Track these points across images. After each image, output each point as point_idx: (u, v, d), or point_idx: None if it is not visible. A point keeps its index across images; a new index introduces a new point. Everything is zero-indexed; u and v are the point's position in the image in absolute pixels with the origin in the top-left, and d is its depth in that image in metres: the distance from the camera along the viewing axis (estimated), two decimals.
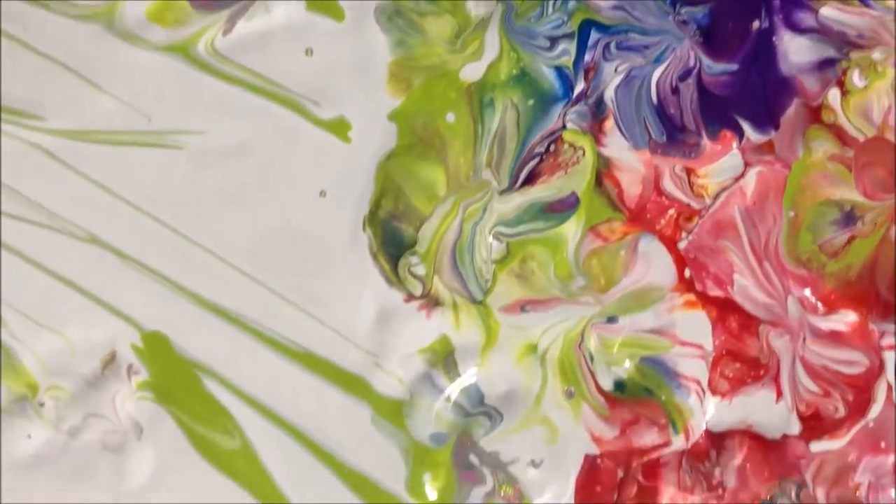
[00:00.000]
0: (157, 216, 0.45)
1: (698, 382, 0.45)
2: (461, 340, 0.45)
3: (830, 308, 0.45)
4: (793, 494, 0.45)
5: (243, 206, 0.45)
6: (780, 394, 0.45)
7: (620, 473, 0.46)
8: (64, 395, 0.44)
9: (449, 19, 0.46)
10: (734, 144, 0.45)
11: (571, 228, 0.45)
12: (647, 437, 0.45)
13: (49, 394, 0.44)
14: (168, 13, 0.45)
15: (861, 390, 0.45)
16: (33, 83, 0.45)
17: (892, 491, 0.45)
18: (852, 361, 0.45)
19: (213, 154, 0.45)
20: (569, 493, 0.45)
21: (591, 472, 0.46)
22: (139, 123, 0.45)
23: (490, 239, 0.45)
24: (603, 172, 0.45)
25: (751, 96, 0.44)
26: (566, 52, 0.45)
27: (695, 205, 0.45)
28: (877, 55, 0.44)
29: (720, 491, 0.46)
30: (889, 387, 0.44)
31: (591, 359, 0.45)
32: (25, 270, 0.45)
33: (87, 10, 0.45)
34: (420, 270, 0.45)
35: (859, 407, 0.45)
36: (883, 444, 0.44)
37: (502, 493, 0.45)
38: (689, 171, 0.45)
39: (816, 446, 0.45)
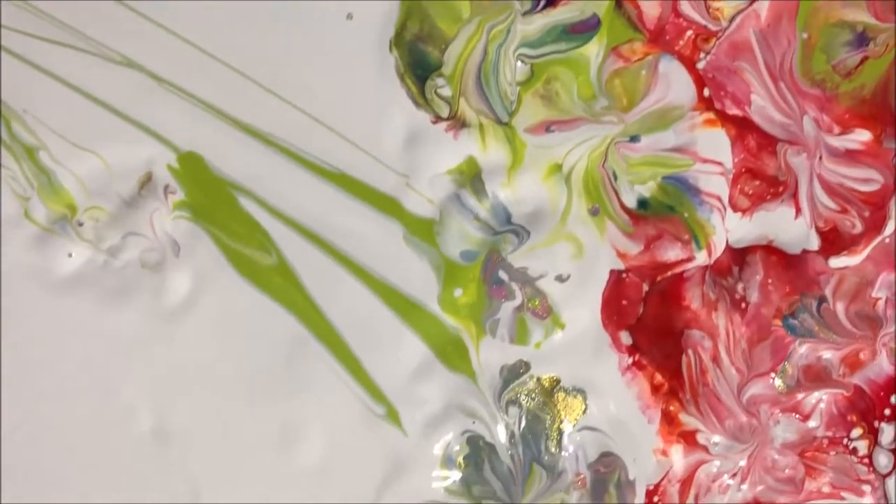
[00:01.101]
0: (190, 39, 0.46)
1: (719, 199, 0.46)
2: (488, 161, 0.46)
3: (845, 127, 0.46)
4: (813, 309, 0.46)
5: (275, 30, 0.46)
6: (798, 210, 0.46)
7: (645, 287, 0.47)
8: (102, 216, 0.45)
9: None
10: None
11: (593, 49, 0.46)
12: (671, 253, 0.47)
13: (88, 214, 0.45)
14: None
15: (877, 207, 0.46)
16: None
17: None
18: (867, 179, 0.46)
19: None
20: (595, 306, 0.46)
21: (616, 286, 0.47)
22: None
23: (514, 60, 0.46)
24: None
25: None
26: None
27: (711, 27, 0.46)
28: None
29: (743, 305, 0.47)
30: None
31: (615, 177, 0.46)
32: (63, 94, 0.46)
33: None
34: (446, 92, 0.46)
35: (875, 223, 0.46)
36: None
37: (530, 307, 0.46)
38: None
39: (835, 262, 0.46)
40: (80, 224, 0.45)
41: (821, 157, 0.46)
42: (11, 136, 0.45)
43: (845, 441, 0.46)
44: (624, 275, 0.47)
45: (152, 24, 0.46)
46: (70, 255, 0.45)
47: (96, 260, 0.46)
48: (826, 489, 0.47)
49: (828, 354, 0.46)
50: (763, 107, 0.46)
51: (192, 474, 0.45)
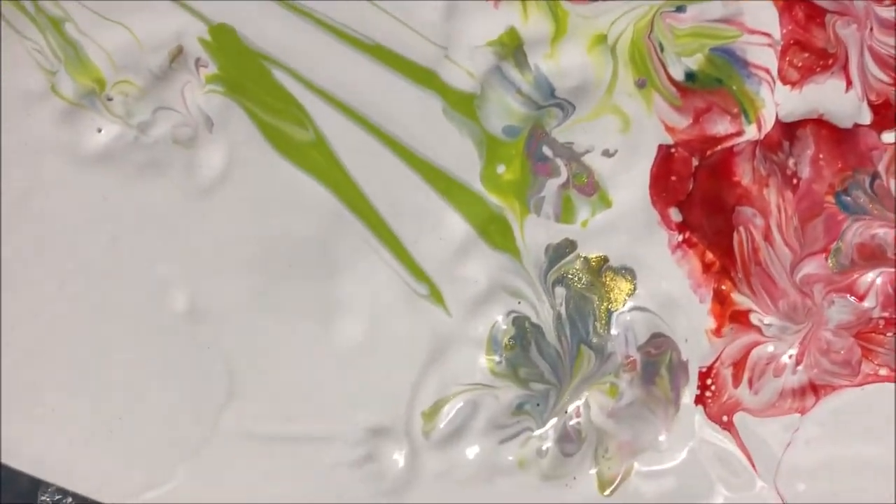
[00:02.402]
0: None
1: (768, 71, 0.45)
2: (530, 32, 0.45)
3: None
4: (866, 185, 0.45)
5: None
6: (849, 83, 0.45)
7: (695, 162, 0.45)
8: (132, 90, 0.44)
9: None
10: None
11: None
12: (720, 126, 0.45)
13: (117, 88, 0.44)
14: None
15: None
16: None
17: None
18: None
19: None
20: (643, 182, 0.44)
21: (665, 161, 0.45)
22: None
23: None
24: None
25: None
26: None
27: None
28: None
29: (795, 181, 0.45)
30: None
31: (661, 48, 0.44)
32: None
33: None
34: None
35: None
36: None
37: (576, 184, 0.45)
38: None
39: (888, 136, 0.45)
40: (109, 99, 0.44)
41: (871, 29, 0.44)
42: (37, 8, 0.44)
43: None
44: (672, 149, 0.45)
45: None
46: (99, 131, 0.44)
47: (126, 135, 0.44)
48: (883, 371, 0.45)
49: (882, 232, 0.45)
50: None
51: (228, 352, 0.43)
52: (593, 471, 0.43)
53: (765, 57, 0.45)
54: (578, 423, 0.43)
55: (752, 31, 0.45)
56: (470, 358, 0.44)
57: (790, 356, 0.45)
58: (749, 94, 0.45)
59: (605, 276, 0.45)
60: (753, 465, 0.44)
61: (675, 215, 0.45)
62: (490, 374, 0.44)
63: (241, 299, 0.43)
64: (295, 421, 0.43)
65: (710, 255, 0.45)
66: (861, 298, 0.45)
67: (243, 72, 0.44)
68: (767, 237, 0.45)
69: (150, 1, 0.44)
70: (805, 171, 0.45)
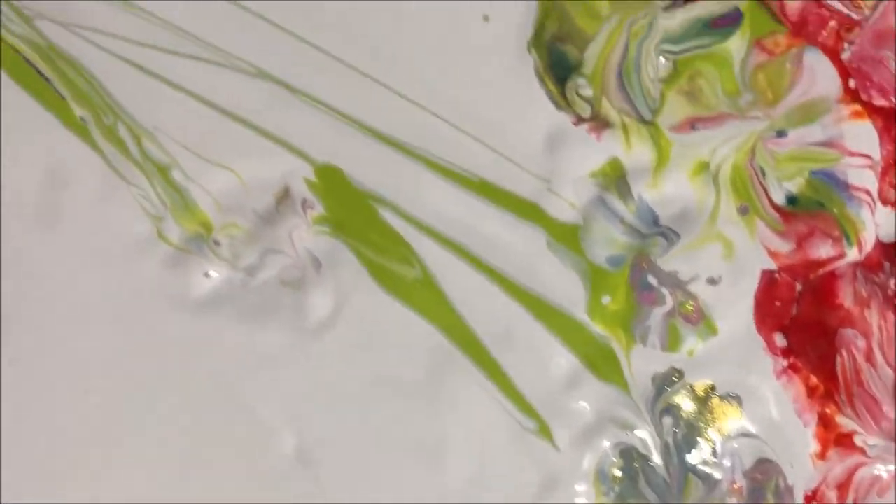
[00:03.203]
0: (323, 46, 0.44)
1: (868, 192, 0.44)
2: (632, 161, 0.45)
3: None
4: None
5: (409, 34, 0.44)
6: None
7: (798, 287, 0.45)
8: (239, 233, 0.44)
9: None
10: None
11: (736, 43, 0.45)
12: (822, 250, 0.45)
13: (224, 232, 0.44)
14: None
15: None
16: None
17: None
18: None
19: None
20: (748, 308, 0.44)
21: (769, 287, 0.45)
22: None
23: (656, 57, 0.44)
24: None
25: None
26: None
27: (854, 16, 0.45)
28: None
29: (895, 301, 0.45)
30: None
31: (763, 173, 0.44)
32: (195, 108, 0.44)
33: None
34: (587, 92, 0.44)
35: None
36: None
37: (681, 312, 0.45)
38: None
39: None
40: (217, 243, 0.44)
41: None
42: (143, 155, 0.44)
43: None
44: (776, 274, 0.45)
45: (283, 32, 0.44)
46: (207, 275, 0.44)
47: (234, 279, 0.44)
48: None
49: None
50: None
51: (339, 495, 0.43)
52: None
53: (865, 178, 0.44)
54: None
55: (852, 154, 0.45)
56: (579, 492, 0.44)
57: (893, 475, 0.45)
58: (850, 217, 0.45)
59: (712, 404, 0.45)
60: None
61: (779, 340, 0.45)
62: None
63: (349, 441, 0.43)
64: None
65: (814, 379, 0.45)
66: None
67: (350, 212, 0.44)
68: (869, 359, 0.45)
69: (256, 142, 0.43)
70: None
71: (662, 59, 0.45)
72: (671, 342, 0.45)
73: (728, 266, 0.45)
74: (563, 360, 0.45)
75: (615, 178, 0.45)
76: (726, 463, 0.45)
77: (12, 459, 0.43)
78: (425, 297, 0.44)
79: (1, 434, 0.43)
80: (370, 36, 0.44)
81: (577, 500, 0.44)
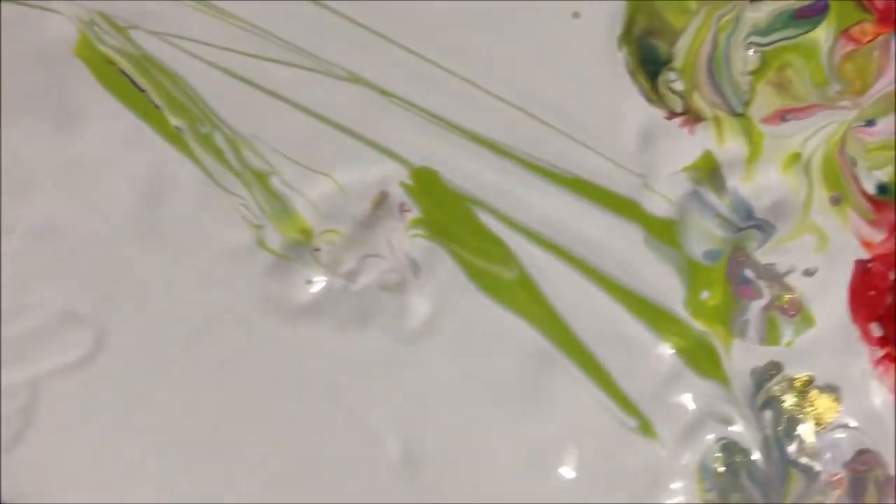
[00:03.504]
0: (414, 49, 0.44)
1: None
2: (725, 155, 0.45)
3: None
4: None
5: (499, 32, 0.44)
6: None
7: (892, 276, 0.45)
8: (339, 239, 0.44)
9: None
10: None
11: (823, 33, 0.45)
12: None
13: (324, 238, 0.44)
14: None
15: None
16: None
17: None
18: None
19: None
20: (843, 299, 0.44)
21: (863, 277, 0.45)
22: None
23: (745, 49, 0.44)
24: None
25: None
26: None
27: None
28: None
29: None
30: None
31: (854, 163, 0.44)
32: (291, 115, 0.44)
33: None
34: (679, 86, 0.45)
35: None
36: None
37: (779, 305, 0.45)
38: None
39: None
40: (317, 249, 0.44)
41: None
42: (241, 163, 0.44)
43: None
44: (869, 264, 0.45)
45: (376, 37, 0.44)
46: (309, 282, 0.43)
47: (335, 285, 0.44)
48: None
49: None
50: None
51: (445, 498, 0.43)
52: None
53: None
54: None
55: None
56: (683, 488, 0.44)
57: None
58: None
59: (811, 396, 0.45)
60: None
61: (875, 330, 0.45)
62: (702, 503, 0.44)
63: (454, 444, 0.43)
64: None
65: None
66: None
67: (447, 214, 0.44)
68: None
69: (353, 148, 0.43)
70: None
71: (751, 52, 0.45)
72: (769, 335, 0.45)
73: (822, 257, 0.45)
74: (662, 356, 0.45)
75: (709, 172, 0.45)
76: (826, 455, 0.45)
77: (120, 468, 0.43)
78: (524, 298, 0.44)
79: (108, 447, 0.43)
80: (462, 38, 0.44)
81: (679, 497, 0.44)
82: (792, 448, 0.45)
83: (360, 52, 0.44)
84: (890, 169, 0.45)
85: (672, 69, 0.45)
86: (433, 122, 0.44)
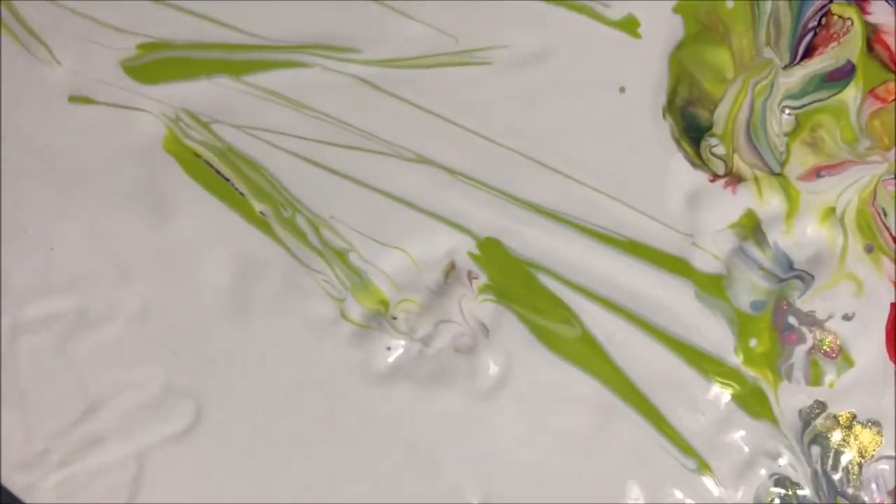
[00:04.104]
0: (474, 129, 0.48)
1: None
2: (766, 211, 0.48)
3: None
4: None
5: (552, 110, 0.48)
6: None
7: None
8: (414, 307, 0.47)
9: None
10: None
11: (851, 94, 0.48)
12: None
13: (400, 307, 0.47)
14: None
15: None
16: (347, 18, 0.48)
17: None
18: None
19: (518, 64, 0.48)
20: (880, 339, 0.48)
21: None
22: (448, 45, 0.48)
23: (780, 112, 0.48)
24: (872, 38, 0.48)
25: None
26: None
27: None
28: None
29: None
30: None
31: (885, 213, 0.48)
32: (365, 196, 0.47)
33: None
34: (720, 150, 0.48)
35: None
36: None
37: (821, 348, 0.48)
38: None
39: None
40: (394, 318, 0.47)
41: None
42: (322, 242, 0.47)
43: None
44: None
45: (438, 119, 0.47)
46: (388, 349, 0.47)
47: (412, 350, 0.47)
48: None
49: None
50: None
51: None
52: None
53: None
54: None
55: None
56: None
57: None
58: None
59: (855, 431, 0.48)
60: None
61: None
62: None
63: (527, 490, 0.47)
64: None
65: None
66: None
67: (511, 279, 0.47)
68: None
69: (423, 222, 0.47)
70: None
71: (785, 115, 0.48)
72: (813, 377, 0.49)
73: (859, 302, 0.48)
74: (716, 400, 0.48)
75: (752, 228, 0.48)
76: (872, 485, 0.49)
77: None
78: (586, 353, 0.48)
79: None
80: (518, 117, 0.48)
81: None
82: (839, 480, 0.48)
83: (426, 134, 0.48)
84: None
85: (713, 135, 0.48)
86: (495, 195, 0.48)
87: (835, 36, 0.48)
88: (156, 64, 0.47)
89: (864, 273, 0.48)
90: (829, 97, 0.48)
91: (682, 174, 0.48)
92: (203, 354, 0.47)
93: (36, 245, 0.47)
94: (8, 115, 0.47)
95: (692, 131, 0.48)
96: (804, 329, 0.48)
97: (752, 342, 0.48)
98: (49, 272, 0.47)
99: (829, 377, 0.48)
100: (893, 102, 0.48)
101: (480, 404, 0.47)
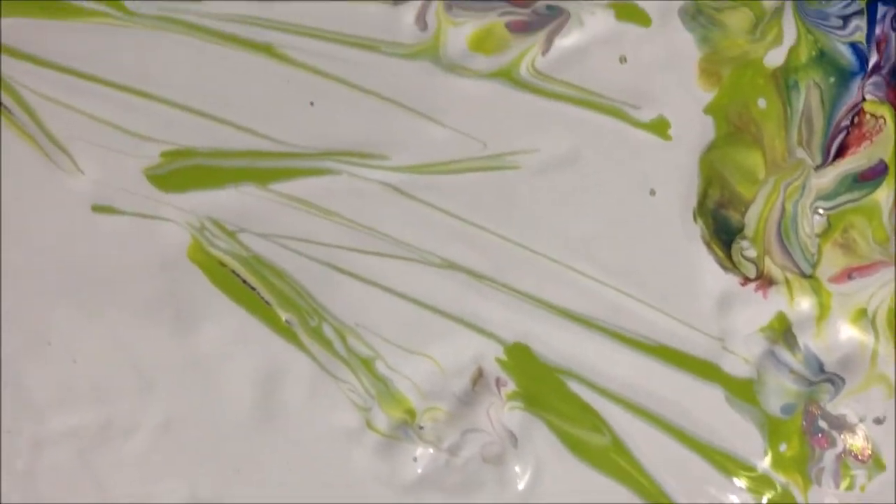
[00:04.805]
0: (502, 234, 0.47)
1: None
2: (797, 314, 0.48)
3: None
4: None
5: (580, 212, 0.47)
6: None
7: None
8: (441, 416, 0.47)
9: (745, 11, 0.48)
10: None
11: (884, 194, 0.48)
12: None
13: (427, 416, 0.47)
14: (488, 41, 0.48)
15: None
16: (373, 125, 0.47)
17: None
18: None
19: (546, 168, 0.48)
20: None
21: None
22: (476, 149, 0.47)
23: (812, 214, 0.47)
24: None
25: None
26: (858, 28, 0.47)
27: None
28: None
29: None
30: None
31: None
32: (391, 303, 0.47)
33: (414, 48, 0.47)
34: (751, 253, 0.47)
35: None
36: None
37: (852, 452, 0.48)
38: None
39: None
40: (421, 427, 0.47)
41: None
42: (348, 351, 0.47)
43: None
44: None
45: (468, 225, 0.47)
46: (415, 459, 0.46)
47: (439, 459, 0.47)
48: None
49: None
50: None
51: None
52: None
53: None
54: None
55: None
56: None
57: None
58: None
59: None
60: None
61: None
62: None
63: None
64: None
65: None
66: None
67: (540, 386, 0.47)
68: None
69: (450, 329, 0.46)
70: None
71: (817, 216, 0.48)
72: (844, 481, 0.48)
73: (891, 404, 0.48)
74: None
75: (782, 332, 0.48)
76: None
77: None
78: (616, 462, 0.47)
79: None
80: (546, 220, 0.47)
81: None
82: None
83: (453, 239, 0.47)
84: None
85: (744, 237, 0.48)
86: (523, 299, 0.47)
87: (867, 135, 0.47)
88: (180, 172, 0.47)
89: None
90: (861, 197, 0.47)
91: (713, 277, 0.48)
92: (227, 465, 0.46)
93: (59, 357, 0.47)
94: (30, 225, 0.47)
95: (723, 234, 0.47)
96: (834, 433, 0.48)
97: (782, 447, 0.47)
98: (72, 384, 0.46)
99: (861, 481, 0.48)
100: None
101: None
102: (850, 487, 0.48)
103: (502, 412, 0.47)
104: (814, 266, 0.48)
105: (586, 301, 0.47)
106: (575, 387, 0.47)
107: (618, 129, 0.47)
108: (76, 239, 0.47)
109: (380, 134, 0.47)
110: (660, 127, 0.48)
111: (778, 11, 0.48)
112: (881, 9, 0.48)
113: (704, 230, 0.47)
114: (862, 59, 0.47)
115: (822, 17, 0.47)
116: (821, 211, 0.48)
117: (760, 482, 0.47)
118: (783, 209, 0.47)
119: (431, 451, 0.47)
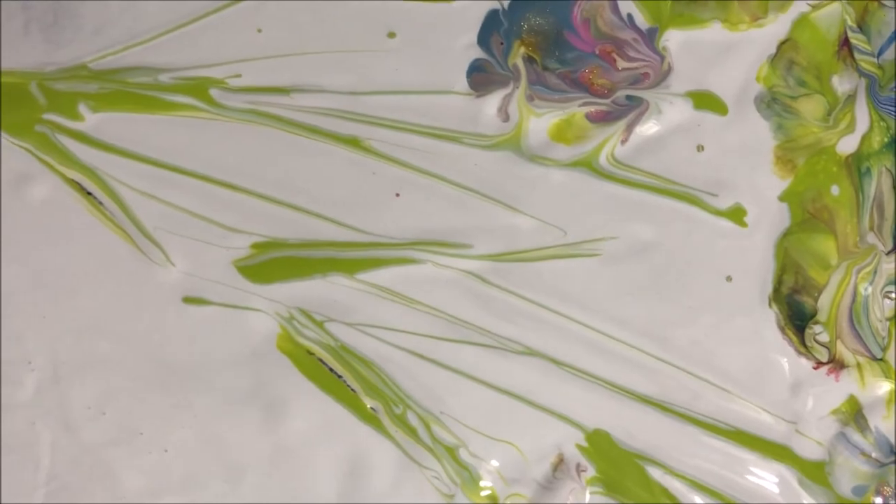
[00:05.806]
0: (581, 319, 0.48)
1: None
2: (867, 397, 0.48)
3: None
4: None
5: (657, 298, 0.48)
6: None
7: None
8: (523, 502, 0.47)
9: (819, 99, 0.49)
10: None
11: None
12: None
13: (510, 502, 0.47)
14: (569, 131, 0.48)
15: None
16: (456, 214, 0.48)
17: None
18: None
19: (625, 254, 0.48)
20: None
21: None
22: (557, 237, 0.48)
23: (882, 298, 0.48)
24: None
25: None
26: None
27: None
28: None
29: None
30: None
31: None
32: (475, 390, 0.48)
33: (497, 138, 0.48)
34: (824, 338, 0.48)
35: None
36: None
37: None
38: None
39: None
40: None
41: None
42: (433, 439, 0.47)
43: None
44: None
45: (548, 312, 0.48)
46: None
47: None
48: None
49: None
50: None
51: None
52: None
53: None
54: None
55: None
56: None
57: None
58: None
59: None
60: None
61: None
62: None
63: None
64: None
65: None
66: None
67: (620, 472, 0.48)
68: None
69: (531, 415, 0.47)
70: None
71: (888, 300, 0.49)
72: None
73: None
74: None
75: (853, 414, 0.49)
76: None
77: None
78: None
79: None
80: (625, 307, 0.48)
81: None
82: None
83: (534, 326, 0.48)
84: None
85: (817, 322, 0.49)
86: (603, 385, 0.48)
87: None
88: (270, 263, 0.47)
89: None
90: None
91: (787, 362, 0.48)
92: None
93: (150, 446, 0.47)
94: (123, 316, 0.47)
95: (797, 319, 0.48)
96: None
97: None
98: (163, 474, 0.47)
99: None
100: None
101: None
102: None
103: (583, 498, 0.47)
104: (884, 349, 0.48)
105: (663, 387, 0.48)
106: (654, 472, 0.48)
107: (695, 216, 0.48)
108: (168, 330, 0.48)
109: (463, 223, 0.48)
110: (736, 214, 0.48)
111: (851, 99, 0.48)
112: None
113: (779, 316, 0.48)
114: None
115: (895, 104, 0.48)
116: (892, 295, 0.48)
117: None
118: (855, 294, 0.48)
119: None
